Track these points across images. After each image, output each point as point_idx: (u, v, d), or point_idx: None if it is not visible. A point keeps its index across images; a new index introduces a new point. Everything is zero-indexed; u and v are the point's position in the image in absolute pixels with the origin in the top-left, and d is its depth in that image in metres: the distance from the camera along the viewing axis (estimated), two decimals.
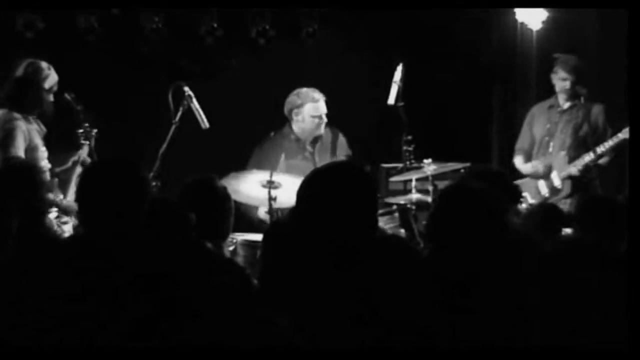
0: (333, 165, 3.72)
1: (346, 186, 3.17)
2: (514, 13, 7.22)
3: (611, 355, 2.91)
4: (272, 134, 6.57)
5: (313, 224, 3.12)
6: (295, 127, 6.50)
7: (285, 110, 6.51)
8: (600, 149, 6.51)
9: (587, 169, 6.58)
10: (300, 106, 6.45)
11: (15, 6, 6.86)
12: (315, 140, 6.54)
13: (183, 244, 3.17)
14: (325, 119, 6.48)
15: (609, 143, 6.49)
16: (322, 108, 6.44)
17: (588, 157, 6.56)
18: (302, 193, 3.20)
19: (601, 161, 6.59)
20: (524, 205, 6.20)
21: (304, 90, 6.47)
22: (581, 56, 6.86)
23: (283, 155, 6.45)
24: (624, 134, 6.35)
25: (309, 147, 6.54)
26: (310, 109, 6.44)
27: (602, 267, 3.14)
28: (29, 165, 4.71)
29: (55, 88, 5.69)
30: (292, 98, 6.48)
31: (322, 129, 6.51)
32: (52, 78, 5.67)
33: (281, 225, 3.55)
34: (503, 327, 3.04)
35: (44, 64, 5.66)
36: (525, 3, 7.05)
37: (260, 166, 6.27)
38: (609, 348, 2.95)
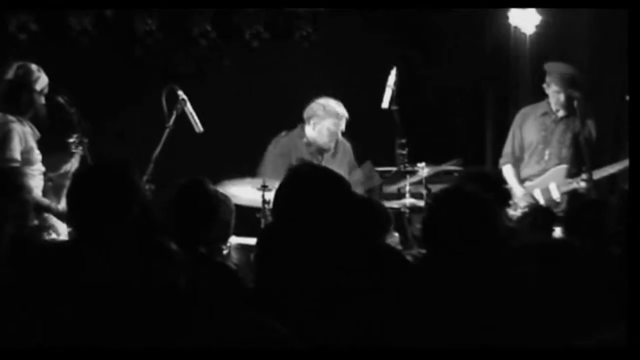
0: (293, 173, 3.71)
1: (309, 191, 3.22)
2: (507, 17, 7.22)
3: (609, 356, 2.91)
4: (282, 133, 6.56)
5: (292, 231, 3.14)
6: (309, 133, 6.51)
7: (305, 115, 6.51)
8: (596, 176, 6.32)
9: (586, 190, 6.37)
10: (322, 118, 6.46)
11: (12, 6, 6.84)
12: (326, 149, 6.57)
13: (172, 247, 3.17)
14: (340, 137, 6.51)
15: (608, 170, 6.38)
16: (342, 126, 6.47)
17: (584, 183, 6.37)
18: (274, 205, 3.24)
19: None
20: (517, 211, 6.21)
21: (332, 103, 6.46)
22: (573, 59, 6.87)
23: (295, 158, 6.47)
24: (622, 164, 6.29)
25: (319, 154, 6.55)
26: (330, 124, 6.46)
27: (592, 269, 3.14)
28: (7, 170, 4.71)
29: (45, 90, 5.68)
30: (317, 107, 6.48)
31: (333, 144, 6.54)
32: (42, 80, 5.66)
33: (274, 227, 3.55)
34: (497, 328, 3.05)
35: (33, 66, 5.66)
36: (527, 3, 7.03)
37: (276, 165, 6.29)
38: (603, 348, 2.95)
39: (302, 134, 6.54)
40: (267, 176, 6.00)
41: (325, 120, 6.45)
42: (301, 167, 3.81)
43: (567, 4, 6.82)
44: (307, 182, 3.30)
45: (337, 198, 3.26)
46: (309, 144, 6.52)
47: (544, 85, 6.67)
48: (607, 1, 6.39)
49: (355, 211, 3.33)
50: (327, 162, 6.49)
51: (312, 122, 6.49)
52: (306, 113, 6.50)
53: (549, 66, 6.68)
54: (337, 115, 6.44)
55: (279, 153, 6.46)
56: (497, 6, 7.27)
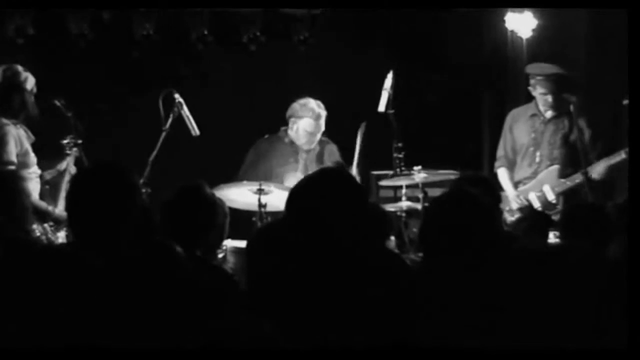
0: (321, 172, 3.73)
1: (333, 193, 3.23)
2: (504, 21, 7.23)
3: (609, 356, 2.92)
4: (266, 135, 6.59)
5: (303, 230, 3.15)
6: (290, 133, 6.53)
7: (287, 115, 6.53)
8: (592, 173, 6.31)
9: (580, 186, 6.39)
10: (299, 117, 6.46)
11: (11, 6, 6.83)
12: (308, 150, 6.57)
13: (175, 249, 3.17)
14: (318, 137, 6.50)
15: (602, 165, 6.35)
16: (319, 126, 6.46)
17: (579, 179, 6.36)
18: (291, 201, 3.25)
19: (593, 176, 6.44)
20: (514, 216, 6.21)
21: (311, 103, 6.46)
22: (570, 63, 6.85)
23: (275, 159, 6.47)
24: (617, 157, 6.30)
25: (302, 154, 6.55)
26: (306, 123, 6.45)
27: (590, 271, 3.16)
28: (5, 173, 4.70)
29: (34, 89, 5.68)
30: (295, 106, 6.49)
31: (313, 145, 6.53)
32: (30, 79, 5.66)
33: (266, 231, 3.56)
34: (497, 330, 3.06)
35: (19, 67, 5.66)
36: (527, 3, 7.02)
37: (254, 167, 6.34)
38: (603, 349, 2.96)
39: (285, 135, 6.55)
40: (245, 179, 6.04)
41: (301, 120, 6.45)
42: (324, 170, 3.83)
43: (567, 3, 6.81)
44: (328, 185, 3.32)
45: (355, 205, 3.28)
46: (291, 143, 6.53)
47: (530, 88, 6.62)
48: (606, 1, 6.37)
49: (364, 217, 3.35)
50: (311, 164, 6.50)
51: (291, 121, 6.50)
52: (287, 113, 6.53)
53: (532, 68, 6.63)
54: (313, 114, 6.42)
55: (257, 155, 6.50)
56: (497, 6, 7.27)
